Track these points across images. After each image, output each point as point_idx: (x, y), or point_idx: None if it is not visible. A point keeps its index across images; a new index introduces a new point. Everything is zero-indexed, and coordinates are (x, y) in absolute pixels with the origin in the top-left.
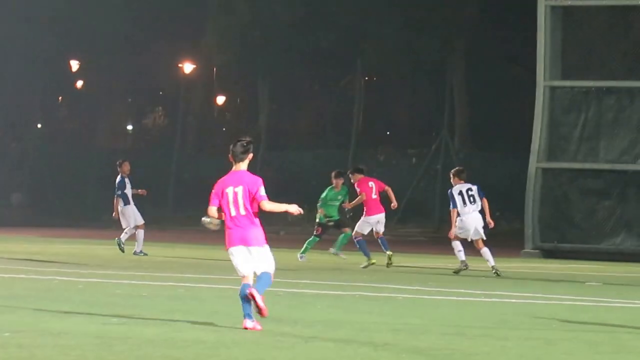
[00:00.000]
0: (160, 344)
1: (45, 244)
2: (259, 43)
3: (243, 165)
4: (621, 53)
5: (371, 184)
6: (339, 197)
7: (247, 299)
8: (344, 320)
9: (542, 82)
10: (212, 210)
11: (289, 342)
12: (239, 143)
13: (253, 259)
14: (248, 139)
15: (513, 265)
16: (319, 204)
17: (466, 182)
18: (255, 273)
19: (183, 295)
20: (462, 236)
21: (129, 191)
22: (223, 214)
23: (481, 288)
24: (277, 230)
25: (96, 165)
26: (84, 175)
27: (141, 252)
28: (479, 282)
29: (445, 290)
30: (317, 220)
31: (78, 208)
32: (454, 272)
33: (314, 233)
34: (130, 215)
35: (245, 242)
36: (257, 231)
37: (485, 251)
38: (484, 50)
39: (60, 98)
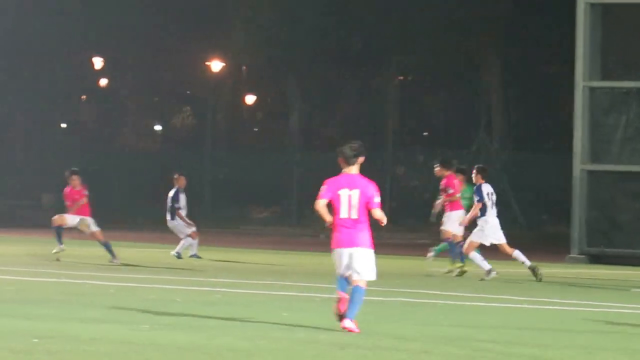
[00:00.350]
0: (192, 351)
1: (75, 246)
2: (289, 41)
3: (355, 169)
4: None
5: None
6: (465, 195)
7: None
8: (382, 327)
9: (580, 82)
10: (321, 203)
11: (324, 350)
12: (348, 146)
13: (354, 262)
14: (358, 142)
15: (558, 270)
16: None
17: (487, 182)
18: (352, 279)
19: (218, 301)
20: (480, 240)
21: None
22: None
23: (525, 294)
24: (317, 233)
25: (124, 165)
26: (111, 175)
27: (195, 255)
28: (523, 288)
29: (489, 297)
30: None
31: (106, 209)
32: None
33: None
34: (182, 226)
35: (351, 245)
36: (365, 235)
37: (517, 253)
38: (521, 49)
39: (83, 97)
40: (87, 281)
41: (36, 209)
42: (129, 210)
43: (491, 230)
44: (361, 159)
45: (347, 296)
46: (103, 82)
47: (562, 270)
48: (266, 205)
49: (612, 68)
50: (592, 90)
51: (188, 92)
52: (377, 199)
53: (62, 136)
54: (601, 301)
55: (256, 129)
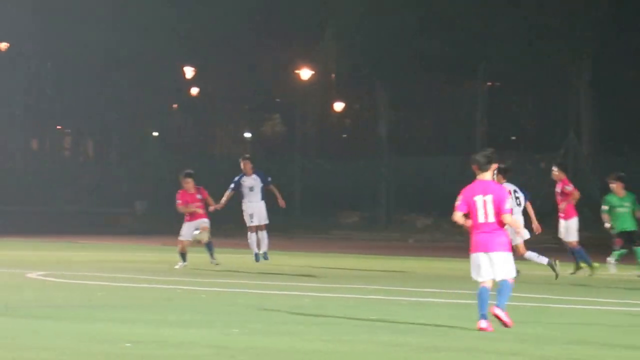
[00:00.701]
0: (280, 354)
1: (167, 252)
2: (378, 48)
3: (487, 175)
4: None
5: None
6: (625, 204)
7: (484, 297)
8: (469, 329)
9: None
10: (458, 215)
11: (411, 352)
12: (482, 154)
13: (493, 265)
14: (491, 149)
15: None
16: (603, 210)
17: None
18: (494, 280)
19: (307, 305)
20: (523, 237)
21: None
22: (469, 220)
23: (605, 296)
24: (406, 238)
25: (215, 173)
26: (202, 183)
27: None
28: (603, 290)
29: (572, 299)
30: (610, 230)
31: None
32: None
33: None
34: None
35: (488, 249)
36: (501, 238)
37: (530, 254)
38: (610, 52)
39: (175, 106)
40: (178, 286)
41: (130, 216)
42: (220, 216)
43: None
44: (494, 166)
45: (490, 328)
46: (194, 90)
47: None
48: (355, 210)
49: None
50: None
51: (277, 100)
52: (508, 205)
53: (154, 144)
54: None
55: (345, 136)
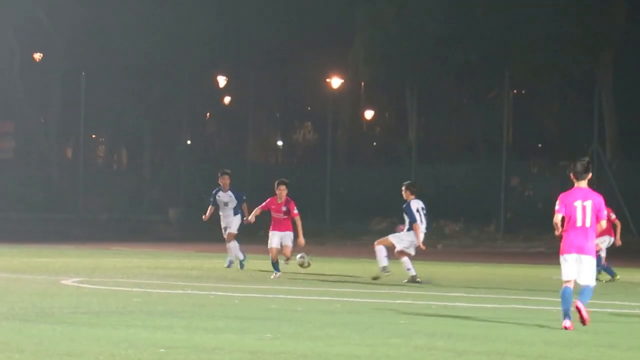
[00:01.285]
0: (313, 359)
1: (201, 259)
2: (406, 56)
3: (584, 183)
4: None
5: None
6: None
7: (568, 298)
8: (498, 333)
9: None
10: (558, 217)
11: (441, 356)
12: (579, 163)
13: (582, 267)
14: (587, 159)
15: None
16: None
17: (417, 197)
18: (577, 282)
19: (339, 310)
20: (407, 250)
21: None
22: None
23: (635, 300)
24: (435, 244)
25: (248, 180)
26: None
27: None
28: (632, 294)
29: (599, 302)
30: None
31: None
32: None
33: None
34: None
35: (581, 251)
36: (592, 243)
37: (405, 259)
38: (633, 59)
39: (208, 114)
40: (212, 292)
41: (164, 223)
42: (255, 225)
43: (407, 238)
44: (590, 175)
45: (572, 327)
46: (227, 99)
47: None
48: (385, 217)
49: None
50: None
51: (309, 108)
52: (605, 212)
53: (187, 153)
54: None
55: (375, 143)
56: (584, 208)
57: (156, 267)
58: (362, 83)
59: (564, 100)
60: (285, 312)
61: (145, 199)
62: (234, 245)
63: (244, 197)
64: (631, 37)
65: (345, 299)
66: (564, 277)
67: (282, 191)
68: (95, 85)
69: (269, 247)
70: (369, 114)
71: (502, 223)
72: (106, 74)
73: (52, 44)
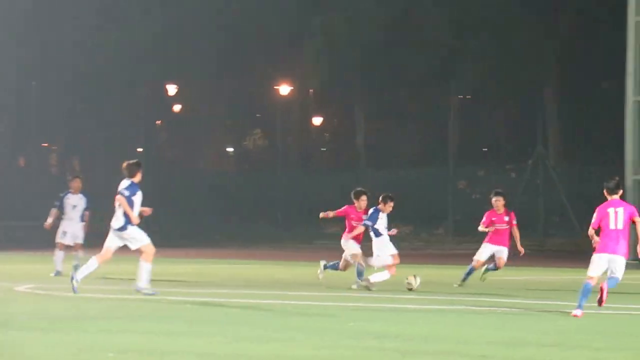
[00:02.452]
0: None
1: (156, 264)
2: (354, 64)
3: (616, 196)
4: None
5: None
6: None
7: (586, 292)
8: (445, 334)
9: (631, 97)
10: (592, 231)
11: (387, 356)
12: (612, 182)
13: (611, 266)
14: (617, 178)
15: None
16: None
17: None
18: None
19: (291, 313)
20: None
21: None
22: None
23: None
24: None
25: (200, 187)
26: (187, 198)
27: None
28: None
29: (545, 303)
30: None
31: (185, 229)
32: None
33: None
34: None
35: (613, 251)
36: (624, 245)
37: (371, 260)
38: (575, 67)
39: (159, 122)
40: (166, 297)
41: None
42: (205, 228)
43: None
44: (621, 191)
45: (606, 285)
46: (177, 107)
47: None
48: (338, 221)
49: None
50: None
51: (258, 115)
52: (637, 213)
53: (140, 160)
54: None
55: (324, 149)
56: (616, 213)
57: (112, 272)
58: (311, 90)
59: (509, 106)
60: (240, 316)
61: (97, 206)
62: (60, 254)
63: (88, 206)
64: (575, 46)
65: (299, 302)
66: (590, 273)
67: (362, 202)
68: (46, 94)
69: (354, 252)
70: (317, 121)
71: (451, 226)
72: (56, 83)
73: (1, 53)
